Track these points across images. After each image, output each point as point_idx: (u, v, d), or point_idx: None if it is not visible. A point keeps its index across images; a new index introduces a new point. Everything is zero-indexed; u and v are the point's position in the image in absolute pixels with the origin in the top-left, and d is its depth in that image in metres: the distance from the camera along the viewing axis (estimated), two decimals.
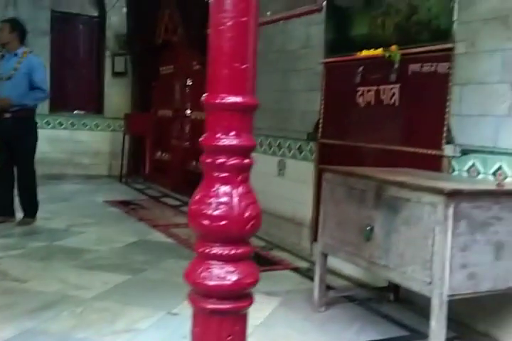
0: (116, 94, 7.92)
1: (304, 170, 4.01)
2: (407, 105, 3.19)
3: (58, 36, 7.54)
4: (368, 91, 3.43)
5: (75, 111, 7.93)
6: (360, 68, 3.42)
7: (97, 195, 6.29)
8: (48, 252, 3.79)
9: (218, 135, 1.38)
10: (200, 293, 1.48)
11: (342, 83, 3.64)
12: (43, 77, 4.39)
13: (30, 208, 4.53)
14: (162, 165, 7.20)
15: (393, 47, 3.12)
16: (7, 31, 4.30)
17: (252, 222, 1.42)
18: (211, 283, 1.43)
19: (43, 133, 7.44)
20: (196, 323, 1.45)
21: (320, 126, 3.86)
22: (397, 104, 3.25)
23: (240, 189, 1.41)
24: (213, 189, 1.40)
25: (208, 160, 1.40)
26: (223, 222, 1.39)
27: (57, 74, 7.51)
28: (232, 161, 1.38)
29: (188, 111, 6.63)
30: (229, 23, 1.34)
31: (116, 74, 7.85)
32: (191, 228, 1.48)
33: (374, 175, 2.62)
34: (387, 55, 3.13)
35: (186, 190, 5.53)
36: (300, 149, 4.11)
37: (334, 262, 3.13)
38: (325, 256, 2.96)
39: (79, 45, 7.88)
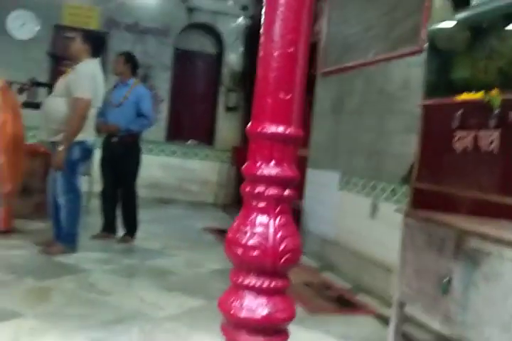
0: (227, 128, 8.28)
1: (396, 214, 3.87)
2: (507, 153, 2.99)
3: (179, 71, 8.09)
4: (466, 136, 3.27)
5: (189, 141, 8.37)
6: (459, 112, 3.29)
7: (197, 221, 6.53)
8: (136, 270, 3.99)
9: (258, 164, 1.40)
10: (232, 324, 1.47)
11: (439, 126, 3.51)
12: (149, 106, 4.74)
13: (130, 227, 4.82)
14: None
15: (494, 92, 2.97)
16: (122, 63, 4.72)
17: (286, 256, 1.40)
18: (242, 314, 1.42)
19: (157, 160, 7.99)
20: None
21: (415, 169, 3.73)
22: (496, 151, 3.07)
23: (278, 220, 1.41)
24: (250, 218, 1.41)
25: (247, 189, 1.41)
26: (256, 253, 1.39)
27: (175, 105, 8.04)
28: (271, 191, 1.38)
29: None
30: (275, 53, 1.37)
31: (228, 108, 8.23)
32: (227, 256, 1.50)
33: (455, 223, 2.48)
34: (486, 99, 2.98)
35: None
36: (394, 192, 3.99)
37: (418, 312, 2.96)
38: (402, 304, 2.82)
39: (197, 80, 8.39)
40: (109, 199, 4.76)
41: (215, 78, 8.40)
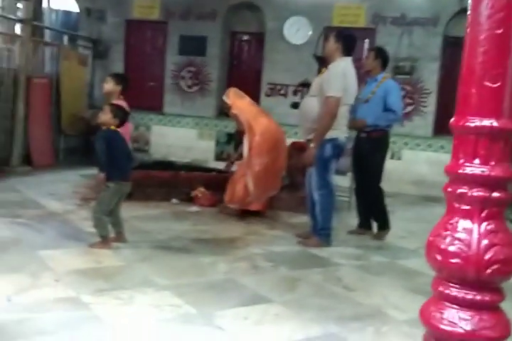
0: None
1: None
2: None
3: (447, 61, 7.60)
4: None
5: None
6: None
7: None
8: (385, 268, 3.92)
9: (461, 161, 1.23)
10: (432, 335, 1.35)
11: None
12: (396, 100, 4.55)
13: (379, 222, 4.75)
14: None
15: None
16: (371, 59, 4.64)
17: (494, 267, 1.21)
18: (441, 326, 1.29)
19: (424, 156, 7.68)
20: None
21: None
22: None
23: (484, 226, 1.22)
24: (451, 221, 1.26)
25: (450, 189, 1.26)
26: (456, 260, 1.23)
27: (443, 98, 7.60)
28: (475, 193, 1.21)
29: None
30: (481, 37, 1.18)
31: None
32: (427, 261, 1.36)
33: None
34: None
35: None
36: None
37: None
38: None
39: None
40: (362, 195, 4.77)
41: None
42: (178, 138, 8.63)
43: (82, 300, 2.83)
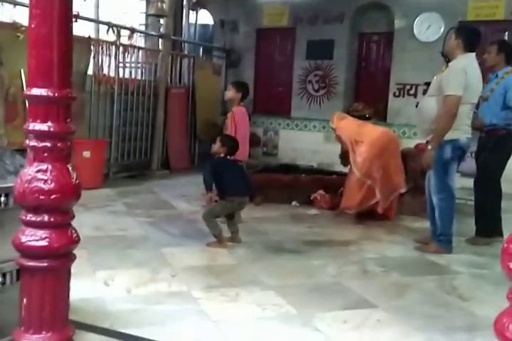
0: None
1: None
2: None
3: None
4: None
5: None
6: None
7: None
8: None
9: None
10: None
11: None
12: None
13: (480, 226, 4.43)
14: None
15: None
16: (494, 53, 4.31)
17: None
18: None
19: None
20: None
21: None
22: None
23: None
24: None
25: None
26: None
27: None
28: None
29: None
30: None
31: None
32: (502, 268, 1.31)
33: None
34: None
35: None
36: None
37: None
38: None
39: None
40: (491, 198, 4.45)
41: None
42: (305, 141, 8.72)
43: (193, 294, 3.03)
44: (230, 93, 4.85)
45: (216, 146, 4.17)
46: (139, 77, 7.65)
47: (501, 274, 3.75)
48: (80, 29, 6.47)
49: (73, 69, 5.84)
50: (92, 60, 6.41)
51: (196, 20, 9.70)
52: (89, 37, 6.35)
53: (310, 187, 5.83)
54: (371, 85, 8.48)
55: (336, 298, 3.09)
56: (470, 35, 3.99)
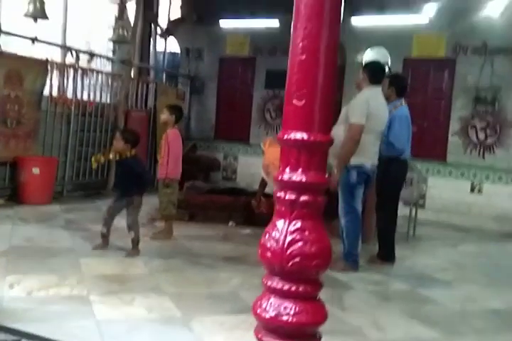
0: None
1: None
2: None
3: None
4: None
5: None
6: None
7: None
8: (398, 295, 3.92)
9: (281, 169, 1.51)
10: (261, 325, 1.54)
11: None
12: (396, 131, 4.55)
13: (379, 250, 4.73)
14: None
15: None
16: (386, 87, 4.62)
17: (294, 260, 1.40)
18: (267, 315, 1.48)
19: (507, 190, 7.24)
20: None
21: None
22: None
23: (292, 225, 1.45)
24: (274, 221, 1.50)
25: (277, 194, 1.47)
26: (268, 254, 1.45)
27: None
28: (287, 196, 1.43)
29: None
30: (292, 61, 1.57)
31: None
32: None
33: None
34: None
35: None
36: None
37: None
38: None
39: None
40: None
41: None
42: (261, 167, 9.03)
43: (90, 298, 3.26)
44: (164, 116, 5.15)
45: (119, 144, 4.37)
46: (98, 100, 7.97)
47: (395, 291, 4.06)
48: (41, 52, 6.84)
49: (29, 88, 6.11)
50: (48, 81, 6.73)
51: (165, 48, 10.11)
52: (46, 59, 6.68)
53: (249, 208, 6.10)
54: None
55: (225, 305, 3.33)
56: (374, 70, 4.37)
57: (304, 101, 1.45)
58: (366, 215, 4.98)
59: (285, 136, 1.51)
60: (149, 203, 5.49)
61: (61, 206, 6.46)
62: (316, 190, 1.46)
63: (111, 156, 4.38)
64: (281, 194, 1.48)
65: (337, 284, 4.04)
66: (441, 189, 7.58)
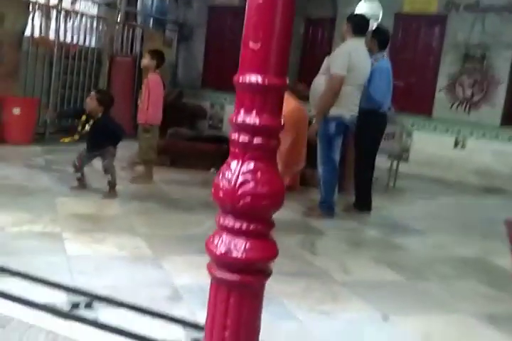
0: None
1: None
2: None
3: None
4: None
5: None
6: None
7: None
8: (369, 241, 4.03)
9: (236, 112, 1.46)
10: (213, 261, 1.56)
11: None
12: (375, 84, 4.49)
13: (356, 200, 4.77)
14: None
15: None
16: (368, 39, 4.56)
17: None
18: (217, 252, 1.50)
19: (490, 146, 7.26)
20: None
21: None
22: None
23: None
24: (228, 162, 1.52)
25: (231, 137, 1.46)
26: (221, 194, 1.49)
27: None
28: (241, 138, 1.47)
29: None
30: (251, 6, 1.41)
31: None
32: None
33: None
34: None
35: None
36: None
37: None
38: None
39: None
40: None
41: None
42: None
43: (62, 235, 3.29)
44: (146, 60, 5.06)
45: (93, 104, 4.31)
46: (82, 43, 7.78)
47: (365, 238, 4.15)
48: None
49: (9, 28, 5.94)
50: (30, 21, 6.54)
51: None
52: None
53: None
54: (314, 68, 8.72)
55: (196, 246, 3.35)
56: (358, 22, 4.29)
57: (259, 45, 1.42)
58: (345, 166, 5.01)
59: (240, 79, 1.50)
60: (130, 148, 5.49)
61: (42, 147, 6.43)
62: (270, 133, 1.46)
63: (83, 119, 4.36)
64: (235, 136, 1.49)
65: (311, 231, 4.12)
66: (426, 143, 7.59)
